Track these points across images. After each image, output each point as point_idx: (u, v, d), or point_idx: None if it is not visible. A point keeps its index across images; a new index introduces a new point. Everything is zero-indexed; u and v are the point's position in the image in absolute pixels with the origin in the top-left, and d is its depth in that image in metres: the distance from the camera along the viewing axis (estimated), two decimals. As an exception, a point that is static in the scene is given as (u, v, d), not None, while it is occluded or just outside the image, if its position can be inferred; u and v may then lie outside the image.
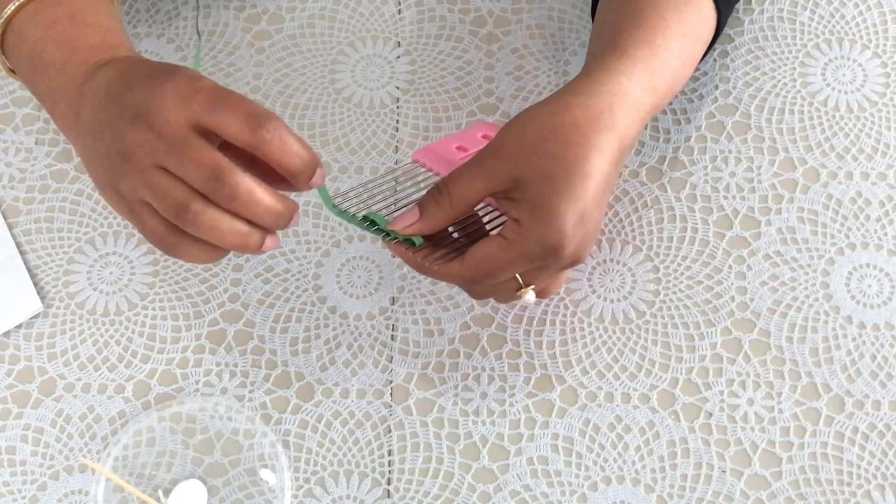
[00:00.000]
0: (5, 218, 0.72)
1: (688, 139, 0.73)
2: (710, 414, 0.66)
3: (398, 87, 0.75)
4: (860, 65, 0.74)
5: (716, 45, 0.75)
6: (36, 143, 0.75)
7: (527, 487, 0.65)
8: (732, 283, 0.69)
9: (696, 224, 0.71)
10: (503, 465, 0.66)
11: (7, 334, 0.69)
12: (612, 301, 0.69)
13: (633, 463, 0.65)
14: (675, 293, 0.69)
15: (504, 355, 0.68)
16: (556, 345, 0.68)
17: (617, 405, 0.67)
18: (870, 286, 0.69)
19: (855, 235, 0.70)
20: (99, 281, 0.71)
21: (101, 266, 0.71)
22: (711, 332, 0.68)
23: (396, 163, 0.73)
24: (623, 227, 0.71)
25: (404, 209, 0.59)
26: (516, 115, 0.59)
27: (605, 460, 0.66)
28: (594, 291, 0.69)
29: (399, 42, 0.77)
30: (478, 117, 0.74)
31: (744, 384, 0.67)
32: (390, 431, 0.67)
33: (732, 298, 0.69)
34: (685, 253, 0.70)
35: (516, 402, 0.67)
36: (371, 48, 0.77)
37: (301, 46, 0.77)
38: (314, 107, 0.75)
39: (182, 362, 0.69)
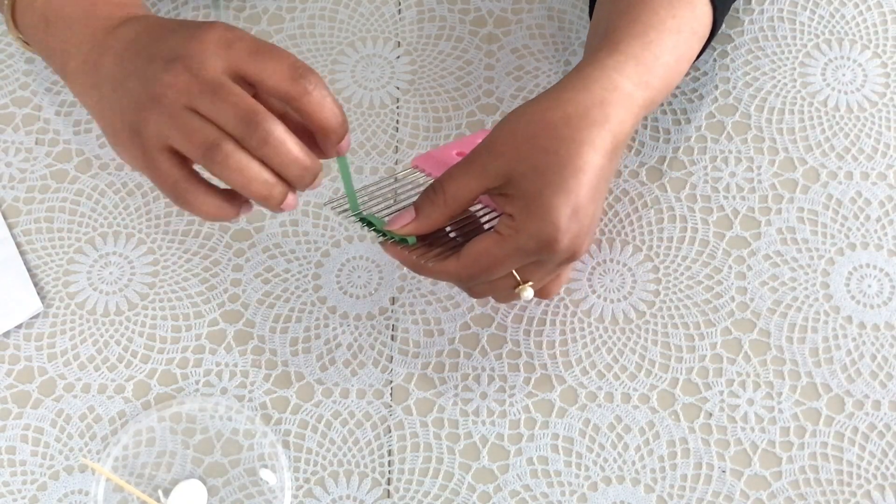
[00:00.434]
0: (5, 218, 0.72)
1: (688, 139, 0.73)
2: (710, 414, 0.66)
3: (398, 87, 0.75)
4: (860, 65, 0.74)
5: (716, 46, 0.75)
6: (36, 143, 0.75)
7: (527, 487, 0.65)
8: (732, 283, 0.69)
9: (696, 224, 0.71)
10: (503, 465, 0.66)
11: (7, 334, 0.69)
12: (612, 301, 0.69)
13: (633, 463, 0.65)
14: (675, 293, 0.69)
15: (504, 355, 0.68)
16: (556, 345, 0.68)
17: (617, 405, 0.67)
18: (870, 286, 0.69)
19: (855, 235, 0.70)
20: (99, 281, 0.71)
21: (101, 266, 0.71)
22: (711, 332, 0.68)
23: (396, 163, 0.73)
24: (623, 227, 0.71)
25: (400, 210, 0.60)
26: (509, 112, 0.59)
27: (605, 460, 0.66)
28: (594, 291, 0.69)
29: (399, 42, 0.77)
30: (478, 117, 0.74)
31: (744, 384, 0.67)
32: (390, 431, 0.67)
33: (732, 298, 0.69)
34: (685, 253, 0.70)
35: (516, 402, 0.67)
36: (371, 48, 0.77)
37: (301, 46, 0.77)
38: (314, 107, 0.75)
39: (182, 362, 0.69)
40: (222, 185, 0.56)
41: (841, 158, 0.72)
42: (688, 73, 0.74)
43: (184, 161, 0.55)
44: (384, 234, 0.59)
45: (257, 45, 0.53)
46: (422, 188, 0.61)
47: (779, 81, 0.74)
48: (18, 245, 0.72)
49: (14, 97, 0.76)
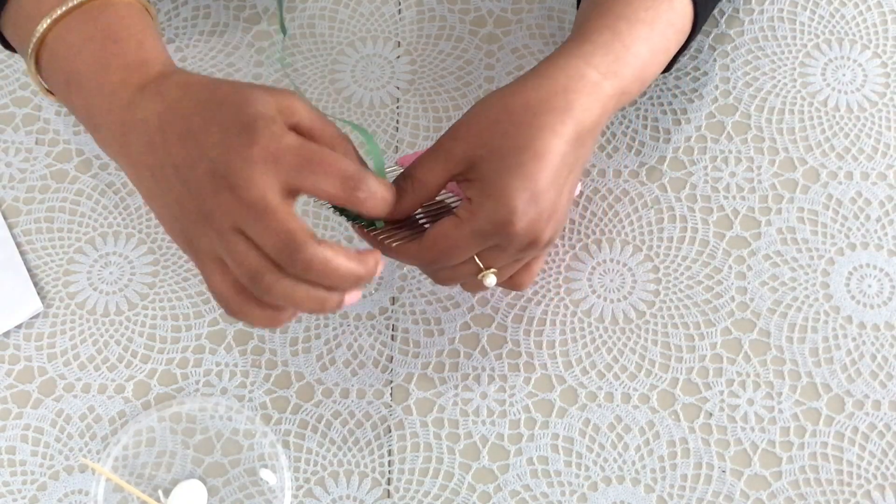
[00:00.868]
0: (5, 218, 0.72)
1: (688, 139, 0.73)
2: (710, 414, 0.66)
3: (398, 87, 0.75)
4: (860, 65, 0.74)
5: (715, 46, 0.75)
6: (36, 143, 0.75)
7: (527, 487, 0.65)
8: (732, 283, 0.69)
9: (696, 224, 0.71)
10: (503, 465, 0.66)
11: (7, 334, 0.69)
12: (612, 301, 0.69)
13: (633, 463, 0.65)
14: (675, 293, 0.69)
15: (504, 355, 0.68)
16: (556, 345, 0.68)
17: (617, 405, 0.67)
18: (870, 286, 0.69)
19: (855, 235, 0.70)
20: (99, 281, 0.71)
21: (101, 266, 0.71)
22: (711, 332, 0.68)
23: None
24: (623, 227, 0.71)
25: None
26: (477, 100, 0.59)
27: (605, 460, 0.66)
28: (594, 291, 0.69)
29: (399, 42, 0.77)
30: (478, 117, 0.74)
31: (744, 384, 0.67)
32: (390, 431, 0.67)
33: (732, 298, 0.69)
34: (685, 253, 0.70)
35: (516, 402, 0.67)
36: (371, 48, 0.77)
37: (301, 46, 0.77)
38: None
39: (182, 362, 0.69)
40: None
41: (841, 158, 0.72)
42: (688, 73, 0.74)
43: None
44: (355, 219, 0.60)
45: (304, 157, 0.51)
46: None
47: (779, 81, 0.74)
48: (18, 245, 0.72)
49: (14, 97, 0.76)
